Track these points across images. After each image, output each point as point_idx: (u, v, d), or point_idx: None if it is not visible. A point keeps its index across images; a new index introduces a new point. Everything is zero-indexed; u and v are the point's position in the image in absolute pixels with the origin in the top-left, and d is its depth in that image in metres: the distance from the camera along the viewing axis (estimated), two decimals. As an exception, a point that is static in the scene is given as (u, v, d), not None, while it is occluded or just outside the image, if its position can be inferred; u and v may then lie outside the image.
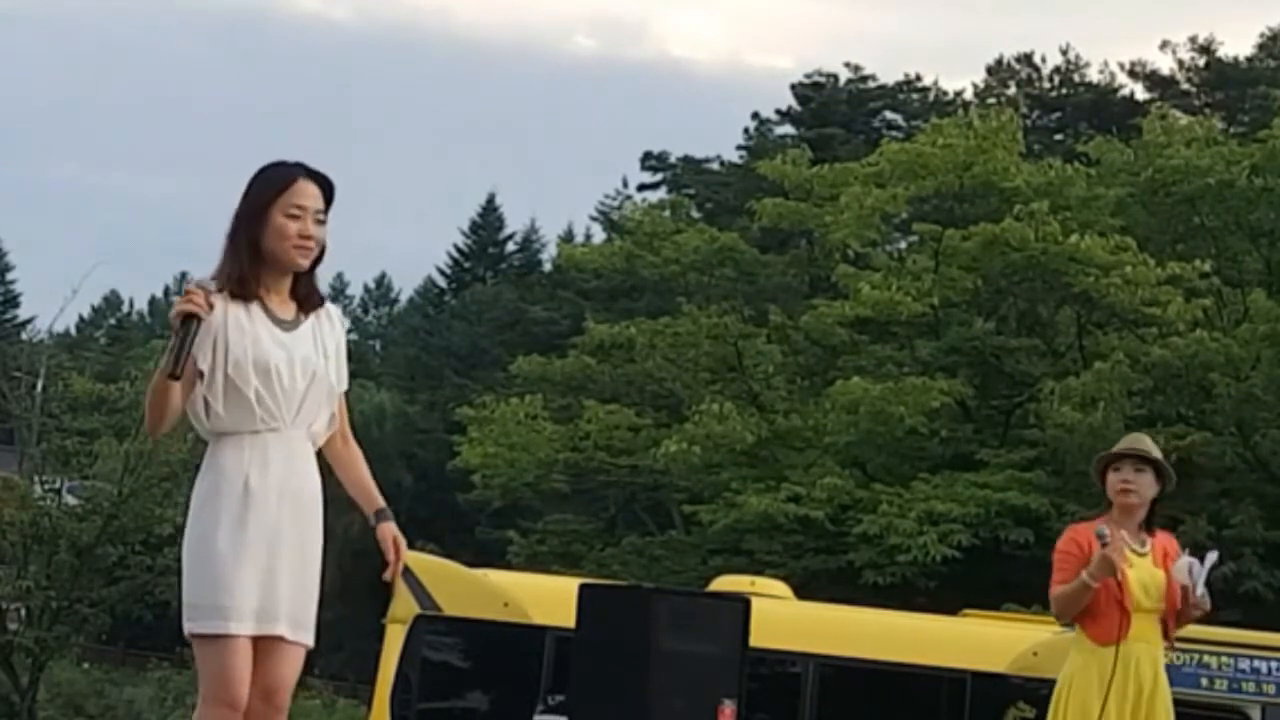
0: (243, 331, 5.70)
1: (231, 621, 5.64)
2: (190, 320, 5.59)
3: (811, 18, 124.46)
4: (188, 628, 5.71)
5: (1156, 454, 8.62)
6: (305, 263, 5.84)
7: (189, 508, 5.82)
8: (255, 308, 5.77)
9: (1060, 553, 8.55)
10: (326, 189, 5.89)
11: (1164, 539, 8.67)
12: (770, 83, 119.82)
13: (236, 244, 5.79)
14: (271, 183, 5.82)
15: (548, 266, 63.33)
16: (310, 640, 5.84)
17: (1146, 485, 8.54)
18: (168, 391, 5.67)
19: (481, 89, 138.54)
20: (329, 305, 6.01)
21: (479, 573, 17.35)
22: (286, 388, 5.76)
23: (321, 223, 5.85)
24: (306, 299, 5.90)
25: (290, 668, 5.80)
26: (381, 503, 6.05)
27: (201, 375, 5.71)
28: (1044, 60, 57.61)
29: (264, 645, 5.72)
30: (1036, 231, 31.22)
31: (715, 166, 55.37)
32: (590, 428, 34.63)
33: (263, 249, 5.77)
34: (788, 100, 57.10)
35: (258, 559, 5.68)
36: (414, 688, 16.23)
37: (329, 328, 5.96)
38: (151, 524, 26.09)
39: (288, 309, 5.85)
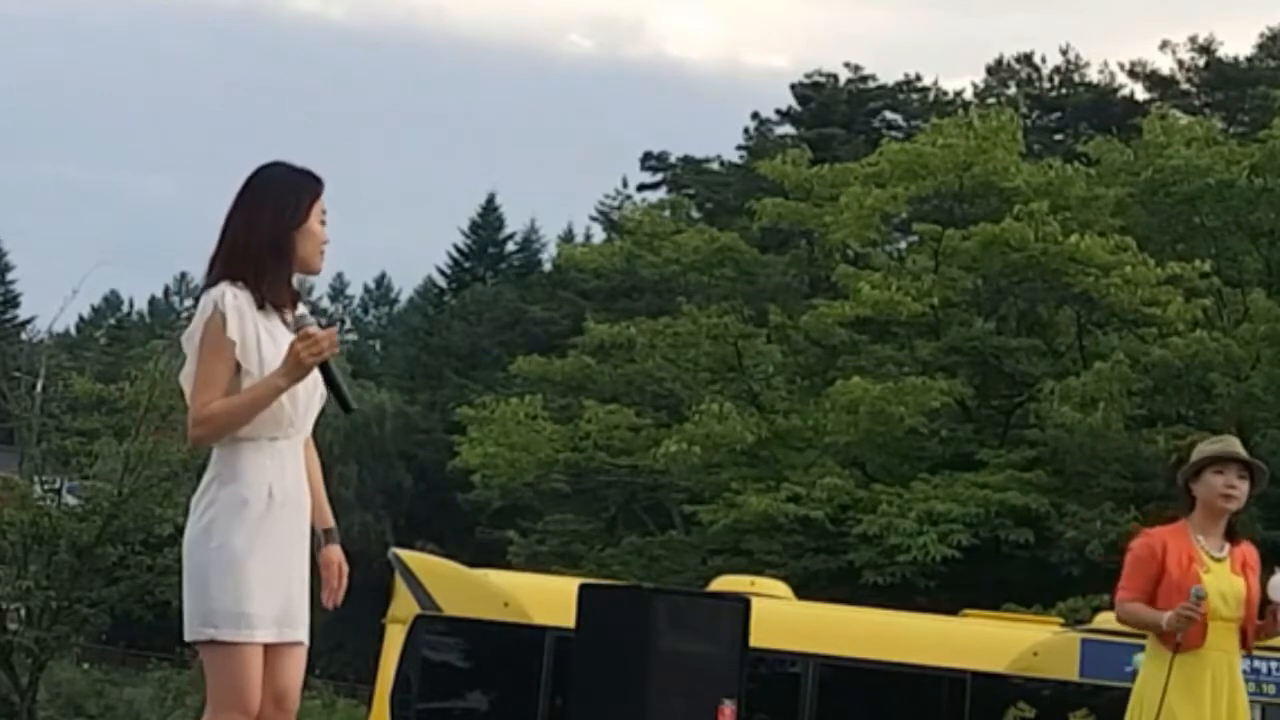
0: (272, 337, 5.68)
1: (257, 630, 5.62)
2: (328, 363, 5.63)
3: (809, 17, 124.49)
4: (206, 634, 5.63)
5: (1256, 461, 8.43)
6: (322, 268, 5.93)
7: (200, 511, 5.72)
8: (272, 313, 5.74)
9: (1135, 557, 8.27)
10: None
11: (1245, 548, 8.40)
12: (768, 82, 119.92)
13: (283, 251, 5.73)
14: (306, 188, 5.82)
15: (548, 266, 63.33)
16: (308, 639, 5.86)
17: (1244, 492, 8.31)
18: (259, 412, 5.61)
19: (480, 89, 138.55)
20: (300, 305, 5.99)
21: (479, 573, 17.36)
22: (304, 394, 5.77)
23: None
24: (293, 301, 5.88)
25: (299, 671, 5.81)
26: (331, 522, 5.99)
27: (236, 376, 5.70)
28: (1044, 60, 57.69)
29: (277, 650, 5.71)
30: (1036, 231, 31.22)
31: (715, 166, 55.36)
32: (590, 428, 34.62)
33: (297, 255, 5.79)
34: (786, 99, 57.19)
35: (277, 566, 5.68)
36: (414, 688, 16.24)
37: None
38: (151, 524, 26.04)
39: (289, 313, 5.85)
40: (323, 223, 5.83)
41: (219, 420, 5.62)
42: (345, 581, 5.95)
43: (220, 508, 5.68)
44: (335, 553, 5.97)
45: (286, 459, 5.74)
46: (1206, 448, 8.43)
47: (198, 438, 5.73)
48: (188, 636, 5.72)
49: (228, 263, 5.70)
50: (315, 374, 5.79)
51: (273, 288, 5.69)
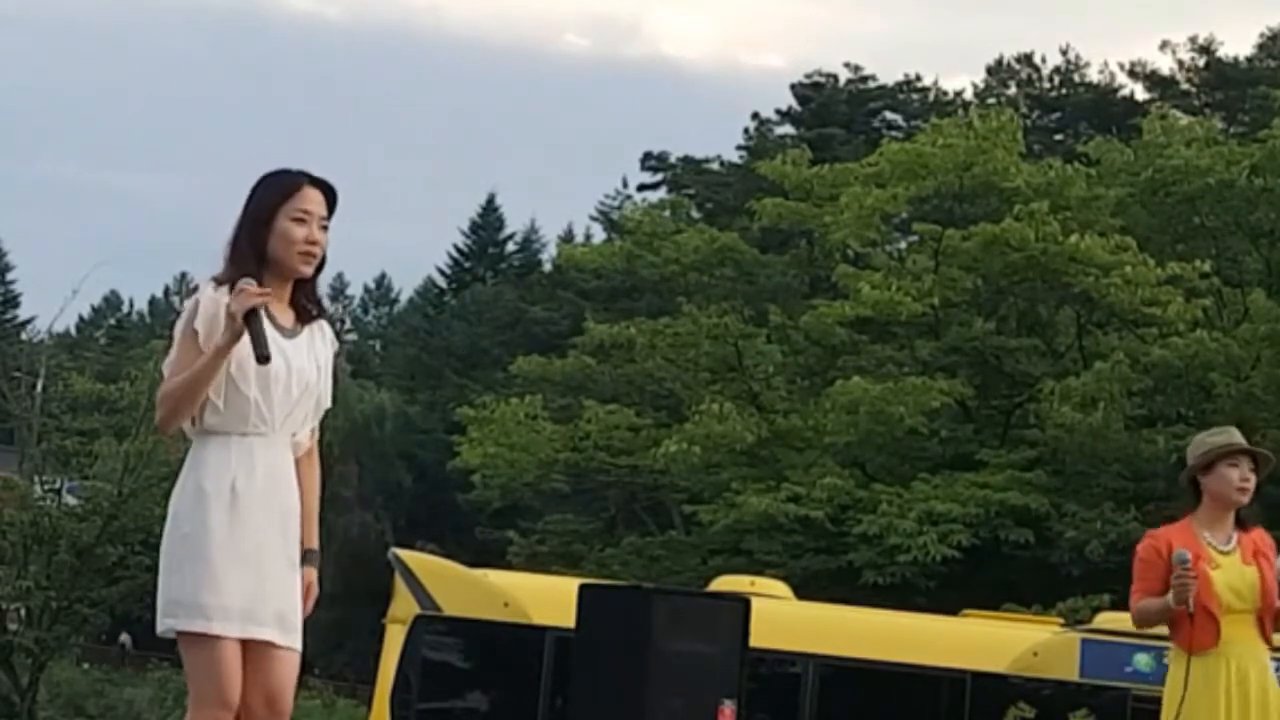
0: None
1: (215, 621, 5.61)
2: (255, 313, 5.58)
3: (807, 17, 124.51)
4: (168, 624, 5.66)
5: (1264, 452, 8.37)
6: (309, 269, 5.83)
7: (170, 504, 5.76)
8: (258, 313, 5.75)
9: (1141, 560, 8.13)
10: (330, 196, 5.88)
11: (1257, 535, 8.25)
12: (767, 82, 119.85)
13: (241, 249, 5.76)
14: (278, 188, 5.82)
15: (548, 266, 63.32)
16: (300, 645, 5.83)
17: (1252, 484, 8.21)
18: (207, 382, 5.61)
19: (479, 88, 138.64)
20: (322, 321, 5.98)
21: (479, 573, 17.38)
22: (281, 395, 5.75)
23: (325, 229, 5.85)
24: (305, 309, 5.88)
25: (288, 673, 5.79)
26: (314, 544, 5.95)
27: None
28: (1044, 60, 57.72)
29: (257, 651, 5.70)
30: (1036, 231, 31.22)
31: (715, 166, 55.36)
32: (590, 428, 34.61)
33: (268, 255, 5.77)
34: (785, 99, 57.21)
35: (244, 562, 5.66)
36: (414, 688, 16.25)
37: (322, 343, 5.93)
38: (151, 524, 26.00)
39: (287, 316, 5.84)
40: (300, 220, 5.77)
41: (175, 393, 5.68)
42: (311, 604, 5.89)
43: (182, 499, 5.73)
44: (308, 574, 5.91)
45: (257, 456, 5.72)
46: (1213, 439, 8.31)
47: (161, 417, 5.78)
48: (157, 630, 5.75)
49: (223, 267, 5.81)
50: (305, 379, 5.78)
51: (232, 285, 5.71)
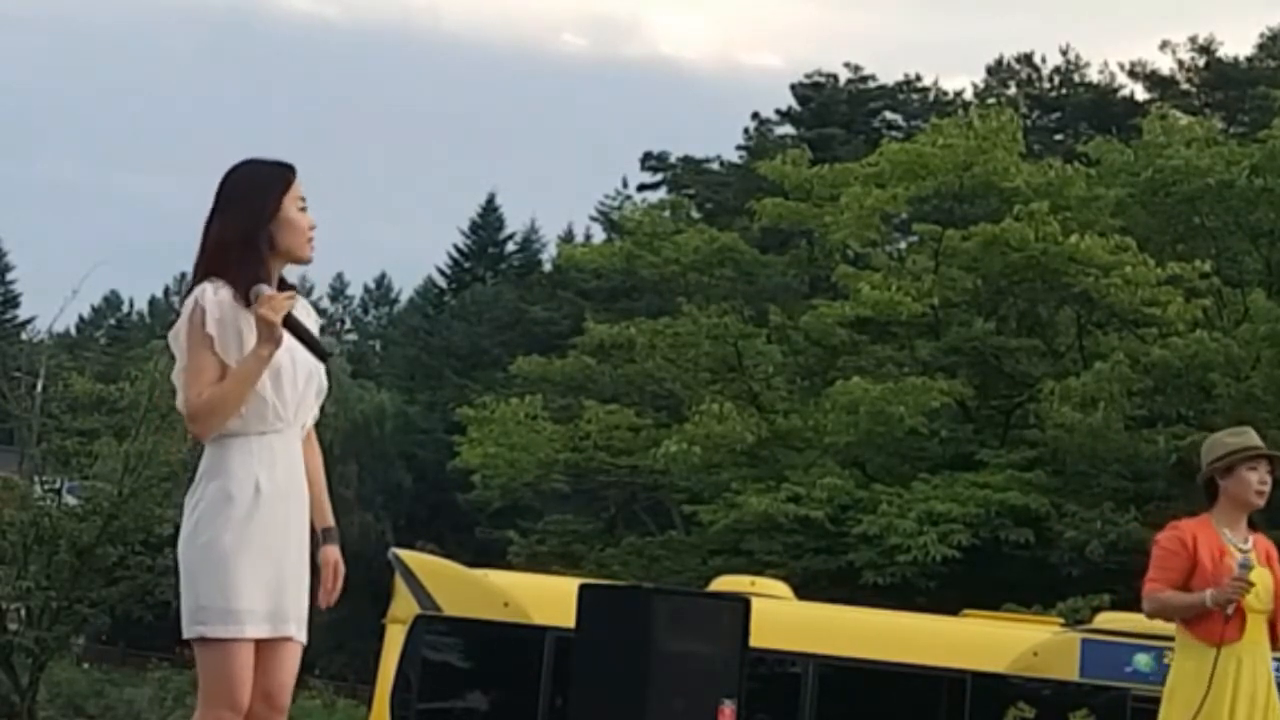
0: (253, 330, 5.65)
1: (247, 625, 5.62)
2: (291, 315, 5.61)
3: (807, 16, 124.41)
4: (197, 630, 5.65)
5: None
6: (313, 255, 5.86)
7: (190, 509, 5.73)
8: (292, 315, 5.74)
9: (1163, 549, 8.16)
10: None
11: (1262, 539, 8.33)
12: (767, 82, 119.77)
13: (256, 245, 5.71)
14: (276, 180, 5.80)
15: (548, 266, 63.28)
16: (305, 637, 5.84)
17: (1269, 486, 8.30)
18: (248, 391, 5.61)
19: (479, 88, 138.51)
20: (299, 296, 5.95)
21: (479, 573, 17.39)
22: (290, 388, 5.75)
23: None
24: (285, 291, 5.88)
25: (292, 668, 5.80)
26: (331, 521, 5.97)
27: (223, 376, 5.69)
28: (1044, 60, 57.69)
29: (268, 647, 5.70)
30: (1036, 231, 31.23)
31: (715, 166, 55.34)
32: (590, 428, 34.62)
33: (278, 246, 5.78)
34: (784, 99, 57.22)
35: (268, 561, 5.66)
36: (414, 688, 16.26)
37: (308, 320, 5.90)
38: (151, 524, 26.10)
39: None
40: (303, 209, 5.79)
41: (213, 405, 5.64)
42: (340, 583, 5.93)
43: (207, 504, 5.68)
44: (332, 553, 5.93)
45: (277, 453, 5.73)
46: (1232, 440, 8.36)
47: (198, 431, 5.74)
48: (184, 634, 5.74)
49: (209, 264, 5.75)
50: (306, 368, 5.78)
51: (250, 283, 5.68)
